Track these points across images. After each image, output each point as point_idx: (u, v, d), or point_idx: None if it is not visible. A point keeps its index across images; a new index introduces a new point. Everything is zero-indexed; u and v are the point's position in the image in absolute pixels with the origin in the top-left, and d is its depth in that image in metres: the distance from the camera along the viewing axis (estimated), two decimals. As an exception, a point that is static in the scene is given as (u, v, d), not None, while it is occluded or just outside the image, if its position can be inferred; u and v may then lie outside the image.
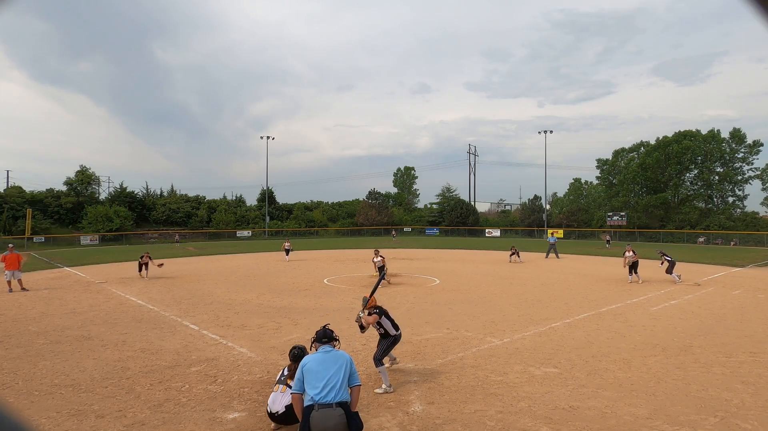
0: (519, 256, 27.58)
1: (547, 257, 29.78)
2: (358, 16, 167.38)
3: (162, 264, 20.33)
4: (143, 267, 19.71)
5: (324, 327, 4.45)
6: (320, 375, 3.87)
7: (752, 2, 0.80)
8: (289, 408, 4.93)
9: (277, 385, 5.35)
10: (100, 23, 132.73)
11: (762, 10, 0.81)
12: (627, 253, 17.78)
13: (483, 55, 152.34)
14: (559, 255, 30.51)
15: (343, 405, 3.79)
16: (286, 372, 5.38)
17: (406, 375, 7.00)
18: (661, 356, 7.98)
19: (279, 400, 5.13)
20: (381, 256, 17.85)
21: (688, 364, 7.49)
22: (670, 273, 17.83)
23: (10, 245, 17.54)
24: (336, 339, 4.38)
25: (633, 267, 17.68)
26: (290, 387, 4.97)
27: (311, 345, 4.43)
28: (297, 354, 5.29)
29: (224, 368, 7.39)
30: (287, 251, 28.97)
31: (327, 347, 4.20)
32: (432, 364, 7.55)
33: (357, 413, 3.95)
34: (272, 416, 5.12)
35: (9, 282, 15.88)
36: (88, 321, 11.02)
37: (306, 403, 3.84)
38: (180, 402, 5.95)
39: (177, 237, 50.49)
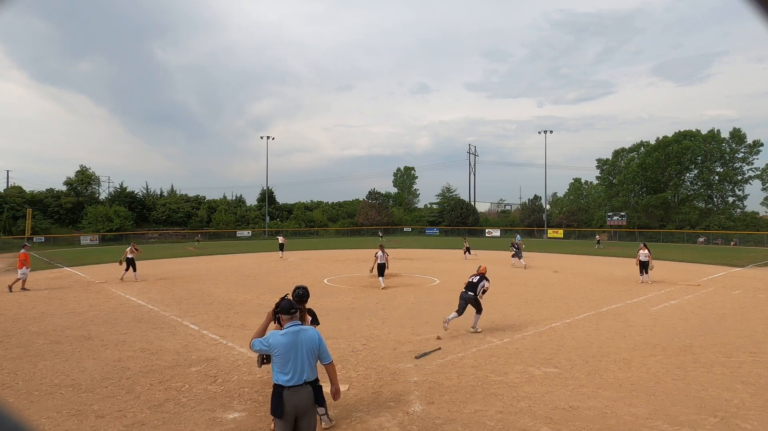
0: (470, 253, 28.78)
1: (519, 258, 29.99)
2: (358, 16, 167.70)
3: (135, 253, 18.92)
4: (130, 265, 18.34)
5: (285, 298, 4.31)
6: (289, 363, 3.89)
7: (752, 2, 0.80)
8: None
9: None
10: (100, 23, 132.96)
11: (762, 10, 0.81)
12: (641, 251, 17.71)
13: (483, 55, 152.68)
14: (523, 255, 30.65)
15: (311, 383, 3.98)
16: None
17: (406, 375, 6.99)
18: (661, 356, 7.98)
19: None
20: (385, 253, 17.53)
21: (688, 364, 7.49)
22: (518, 258, 24.19)
23: (27, 244, 17.63)
24: (301, 305, 4.53)
25: (643, 266, 17.58)
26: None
27: (275, 317, 4.35)
28: (301, 294, 5.16)
29: (224, 368, 7.39)
30: (281, 246, 30.31)
31: (296, 323, 4.08)
32: (432, 364, 7.54)
33: (321, 388, 4.12)
34: None
35: (20, 281, 16.05)
36: (88, 321, 11.02)
37: (275, 381, 3.94)
38: (180, 402, 5.95)
39: (198, 236, 52.87)
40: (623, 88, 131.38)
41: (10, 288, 15.76)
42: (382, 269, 16.66)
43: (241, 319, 11.16)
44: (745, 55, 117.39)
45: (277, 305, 4.26)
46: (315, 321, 5.21)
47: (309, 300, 5.35)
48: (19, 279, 16.01)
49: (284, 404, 3.82)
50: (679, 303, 13.16)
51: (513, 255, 24.88)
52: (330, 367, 4.13)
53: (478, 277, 9.65)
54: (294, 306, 4.12)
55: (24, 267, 16.03)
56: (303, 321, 5.12)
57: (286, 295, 4.37)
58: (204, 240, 53.28)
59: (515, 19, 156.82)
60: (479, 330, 9.66)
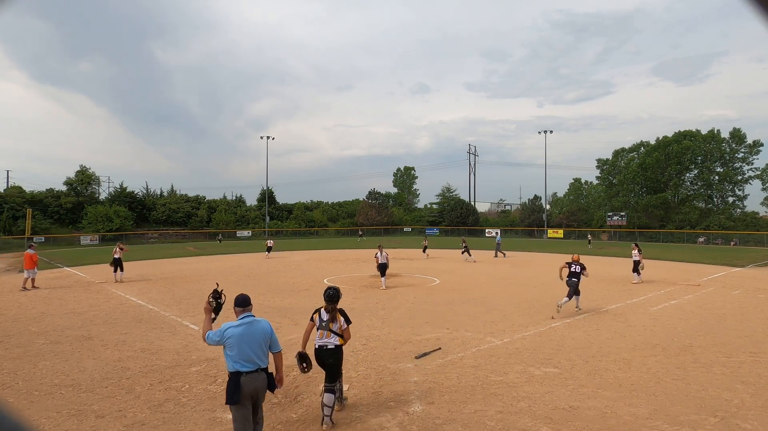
0: (469, 254, 29.17)
1: (495, 256, 30.70)
2: (358, 16, 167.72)
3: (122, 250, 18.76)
4: (118, 266, 18.12)
5: (219, 292, 4.69)
6: (243, 352, 4.16)
7: (752, 2, 0.80)
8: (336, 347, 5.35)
9: (320, 331, 5.34)
10: (100, 23, 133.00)
11: (762, 10, 0.81)
12: (633, 251, 17.73)
13: (483, 55, 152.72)
14: (506, 254, 31.58)
15: (264, 370, 4.28)
16: (325, 317, 5.34)
17: (406, 375, 6.99)
18: (661, 356, 7.98)
19: (327, 340, 5.32)
20: (385, 253, 17.40)
21: (688, 364, 7.49)
22: (467, 254, 27.62)
23: (33, 244, 17.75)
24: (332, 304, 5.23)
25: (635, 267, 17.55)
26: (333, 332, 5.27)
27: (214, 309, 4.59)
28: (332, 295, 5.45)
29: (224, 368, 7.31)
30: (269, 248, 31.52)
31: (248, 315, 4.39)
32: (432, 364, 7.54)
33: (272, 375, 4.40)
34: (321, 349, 5.30)
35: (30, 279, 16.35)
36: (88, 321, 11.01)
37: (231, 369, 4.19)
38: (180, 402, 5.95)
39: (220, 236, 55.84)
40: (623, 88, 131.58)
41: (33, 287, 16.19)
42: (383, 269, 16.59)
43: (241, 319, 11.14)
44: (745, 55, 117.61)
45: (213, 298, 4.58)
46: (347, 321, 5.43)
47: (310, 301, 5.42)
48: (32, 278, 16.38)
49: (242, 389, 4.09)
50: (679, 303, 13.16)
51: (463, 252, 27.95)
52: (278, 356, 4.48)
53: (578, 265, 11.69)
54: (247, 300, 4.48)
55: (35, 267, 16.46)
56: (335, 320, 5.34)
57: (220, 291, 4.71)
58: (203, 240, 53.64)
59: (515, 19, 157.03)
60: (581, 309, 11.83)
